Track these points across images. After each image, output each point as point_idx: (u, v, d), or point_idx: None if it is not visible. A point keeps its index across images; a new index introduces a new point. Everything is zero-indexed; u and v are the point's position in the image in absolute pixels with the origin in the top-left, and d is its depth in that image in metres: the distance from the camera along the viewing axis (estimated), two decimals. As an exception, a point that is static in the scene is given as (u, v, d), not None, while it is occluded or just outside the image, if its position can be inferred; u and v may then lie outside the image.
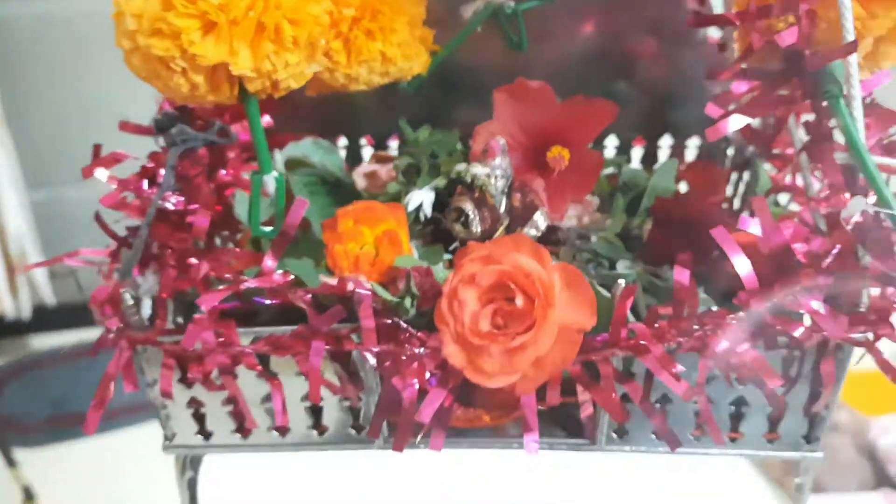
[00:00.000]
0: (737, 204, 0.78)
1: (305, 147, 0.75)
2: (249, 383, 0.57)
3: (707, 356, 0.51)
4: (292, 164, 0.74)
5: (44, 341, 1.55)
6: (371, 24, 0.66)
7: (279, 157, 0.73)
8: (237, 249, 0.56)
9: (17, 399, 1.38)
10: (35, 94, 1.38)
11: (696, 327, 0.51)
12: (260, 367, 0.54)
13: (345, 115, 0.81)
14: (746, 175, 0.77)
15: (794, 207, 0.71)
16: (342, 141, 0.83)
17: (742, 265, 0.51)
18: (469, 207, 0.63)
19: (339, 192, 0.74)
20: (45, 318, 1.53)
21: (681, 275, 0.51)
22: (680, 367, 0.50)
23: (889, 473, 1.07)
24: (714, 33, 0.76)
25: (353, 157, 0.84)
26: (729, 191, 0.79)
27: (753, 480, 1.01)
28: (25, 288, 1.49)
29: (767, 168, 0.73)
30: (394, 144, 0.83)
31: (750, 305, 0.51)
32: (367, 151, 0.84)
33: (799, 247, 0.52)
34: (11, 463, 1.12)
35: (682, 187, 0.78)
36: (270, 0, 0.47)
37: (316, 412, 0.59)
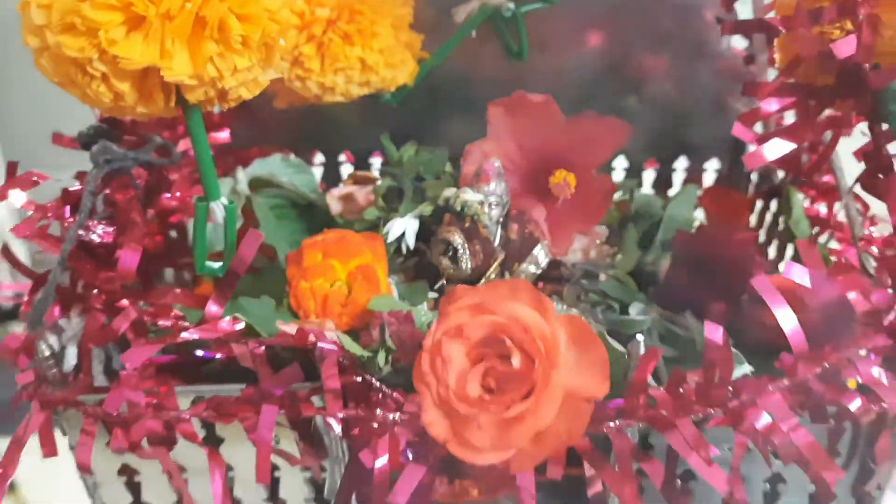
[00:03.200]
0: (762, 237, 0.70)
1: (273, 165, 0.67)
2: (193, 447, 0.47)
3: (742, 432, 0.42)
4: (258, 184, 0.65)
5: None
6: (349, 26, 0.59)
7: (242, 175, 0.64)
8: (178, 290, 0.46)
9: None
10: (18, 85, 1.32)
11: (729, 396, 0.42)
12: (199, 438, 0.44)
13: (321, 128, 0.74)
14: (774, 204, 0.68)
15: (832, 245, 0.62)
16: (318, 157, 0.75)
17: (788, 321, 0.42)
18: (458, 240, 0.55)
19: (310, 216, 0.66)
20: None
21: (713, 331, 0.43)
22: (714, 451, 0.40)
23: None
24: (738, 42, 0.68)
25: (332, 176, 0.76)
26: (752, 220, 0.70)
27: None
28: (7, 277, 1.44)
29: (800, 197, 0.64)
30: (377, 162, 0.76)
31: (796, 370, 0.42)
32: (348, 170, 0.76)
33: (855, 300, 0.43)
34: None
35: (698, 214, 0.69)
36: (213, -11, 0.38)
37: (273, 483, 0.50)
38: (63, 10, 0.37)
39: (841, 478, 0.41)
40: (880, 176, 0.45)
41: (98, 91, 0.38)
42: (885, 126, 0.45)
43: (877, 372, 0.42)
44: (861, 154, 0.46)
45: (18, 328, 1.46)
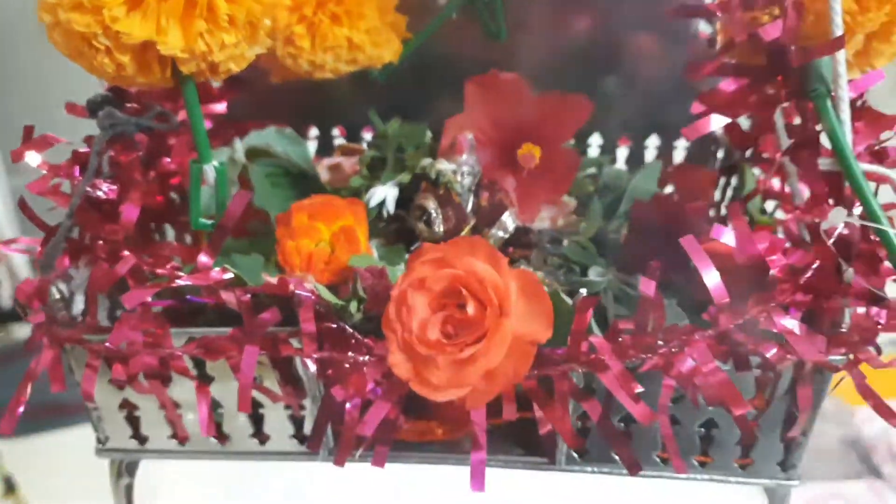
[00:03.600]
0: (725, 211, 0.74)
1: (269, 136, 0.71)
2: (187, 385, 0.53)
3: (671, 375, 0.47)
4: (254, 154, 0.70)
5: (25, 331, 1.52)
6: (337, 7, 0.63)
7: (239, 145, 0.69)
8: (175, 243, 0.52)
9: None
10: (14, 79, 1.35)
11: (660, 343, 0.47)
12: (191, 372, 0.50)
13: (316, 103, 0.78)
14: (734, 179, 0.72)
15: (782, 216, 0.67)
16: (313, 131, 0.79)
17: (710, 277, 0.47)
18: (432, 205, 0.60)
19: (302, 184, 0.70)
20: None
21: (646, 286, 0.47)
22: (639, 387, 0.45)
23: (873, 462, 1.06)
24: (706, 28, 0.72)
25: (326, 149, 0.80)
26: (718, 196, 0.74)
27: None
28: (6, 277, 1.47)
29: (756, 173, 0.68)
30: (368, 136, 0.79)
31: (720, 322, 0.47)
32: (341, 143, 0.80)
33: (776, 260, 0.48)
34: (-8, 454, 1.11)
35: (669, 190, 0.74)
36: (202, -28, 0.43)
37: (257, 420, 0.55)
38: (72, -11, 0.42)
39: (745, 410, 0.46)
40: (806, 147, 0.50)
41: (102, 62, 0.44)
42: (810, 103, 0.49)
43: (791, 324, 0.47)
44: (789, 128, 0.50)
45: (19, 329, 1.49)
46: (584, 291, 0.48)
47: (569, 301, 0.52)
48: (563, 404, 0.48)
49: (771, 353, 0.46)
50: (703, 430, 0.53)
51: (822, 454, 1.07)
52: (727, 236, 0.48)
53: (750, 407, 0.46)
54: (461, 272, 0.48)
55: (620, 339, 0.48)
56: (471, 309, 0.47)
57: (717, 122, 0.51)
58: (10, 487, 1.03)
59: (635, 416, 0.45)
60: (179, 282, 0.49)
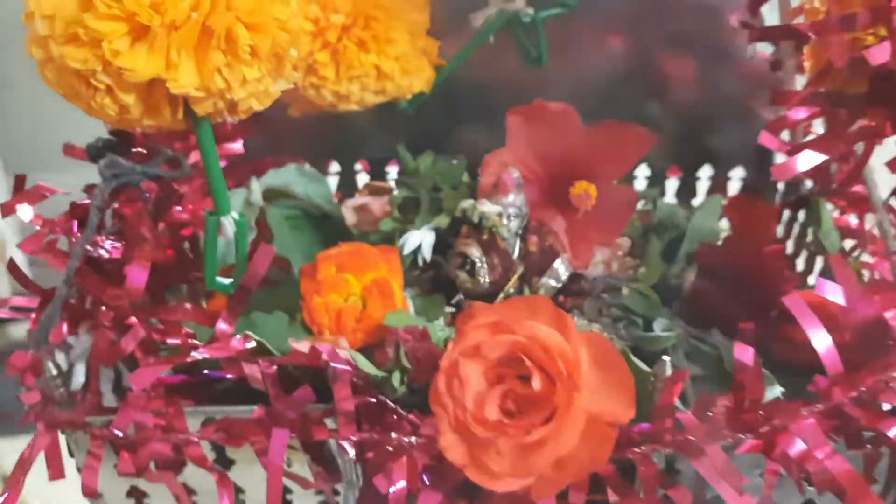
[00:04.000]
0: (789, 247, 0.67)
1: (288, 175, 0.66)
2: (203, 471, 0.46)
3: (775, 459, 0.40)
4: (272, 195, 0.64)
5: (21, 330, 1.48)
6: (364, 32, 0.58)
7: (256, 186, 0.63)
8: (189, 307, 0.45)
9: None
10: (14, 79, 1.32)
11: (760, 421, 0.40)
12: (208, 462, 0.43)
13: (337, 136, 0.73)
14: (802, 214, 0.66)
15: (863, 258, 0.60)
16: (334, 166, 0.74)
17: (822, 342, 0.40)
18: (476, 253, 0.54)
19: (325, 227, 0.65)
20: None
21: (742, 353, 0.41)
22: (745, 479, 0.39)
23: None
24: (764, 49, 0.66)
25: (347, 185, 0.75)
26: (780, 231, 0.68)
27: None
28: (4, 276, 1.44)
29: (830, 208, 0.62)
30: (393, 171, 0.74)
31: (831, 394, 0.40)
32: (364, 179, 0.74)
33: (892, 318, 0.41)
34: (-9, 453, 1.07)
35: (723, 225, 0.67)
36: (220, -2, 0.36)
37: (285, 506, 0.48)
38: (66, 20, 0.35)
39: None
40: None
41: (103, 103, 0.37)
42: (922, 136, 0.43)
43: (917, 395, 0.40)
44: (895, 165, 0.44)
45: (15, 329, 1.44)
46: (667, 360, 0.41)
47: (641, 365, 0.45)
48: (648, 493, 0.41)
49: (894, 430, 0.39)
50: (799, 512, 0.46)
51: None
52: (834, 292, 0.41)
53: (881, 501, 0.39)
54: (523, 338, 0.41)
55: (711, 414, 0.41)
56: (536, 382, 0.41)
57: (809, 161, 0.44)
58: None
59: (742, 515, 0.38)
60: (195, 354, 0.42)
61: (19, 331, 1.47)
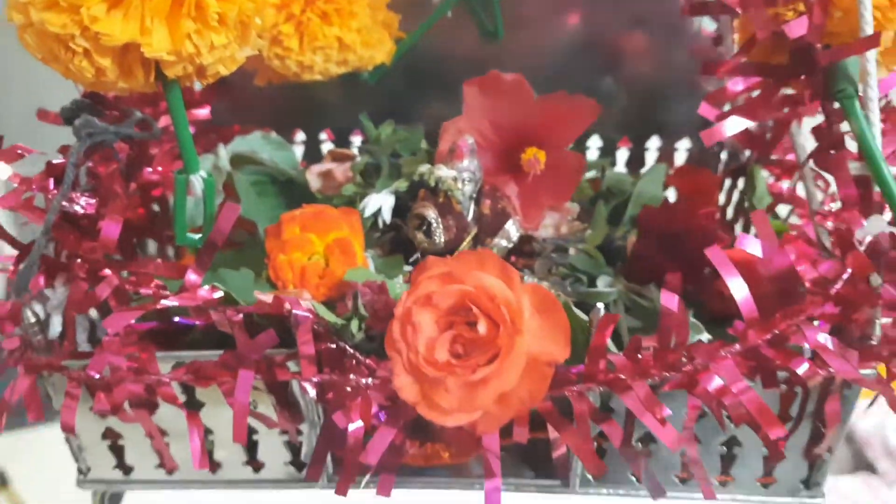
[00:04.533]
0: (730, 213, 0.71)
1: (254, 142, 0.68)
2: (174, 411, 0.49)
3: (696, 395, 0.44)
4: (239, 161, 0.67)
5: None
6: (327, 5, 0.60)
7: (224, 152, 0.66)
8: (159, 260, 0.48)
9: None
10: (8, 70, 1.31)
11: (684, 361, 0.44)
12: (179, 401, 0.46)
13: (303, 106, 0.75)
14: (741, 182, 0.70)
15: (794, 220, 0.64)
16: (300, 135, 0.76)
17: (739, 290, 0.44)
18: (432, 214, 0.57)
19: (290, 192, 0.67)
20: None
21: (669, 299, 0.45)
22: (667, 411, 0.43)
23: (867, 457, 1.05)
24: (709, 25, 0.69)
25: (313, 154, 0.77)
26: (721, 199, 0.72)
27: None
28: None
29: (765, 175, 0.66)
30: (357, 140, 0.76)
31: (748, 337, 0.44)
32: (329, 147, 0.77)
33: (805, 270, 0.45)
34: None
35: (671, 193, 0.71)
36: (190, -32, 0.39)
37: (251, 446, 0.52)
38: (46, -14, 0.38)
39: (782, 434, 0.43)
40: (832, 152, 0.47)
41: (80, 66, 0.40)
42: (836, 104, 0.46)
43: (823, 338, 0.44)
44: (814, 131, 0.48)
45: None
46: (601, 307, 0.45)
47: (582, 315, 0.49)
48: (583, 427, 0.45)
49: (803, 368, 0.44)
50: (724, 448, 0.50)
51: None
52: (753, 246, 0.45)
53: (785, 429, 0.43)
54: (470, 288, 0.45)
55: (640, 355, 0.45)
56: (482, 327, 0.44)
57: (734, 126, 0.48)
58: (3, 482, 1.00)
59: (664, 442, 0.43)
60: (166, 302, 0.45)
61: None
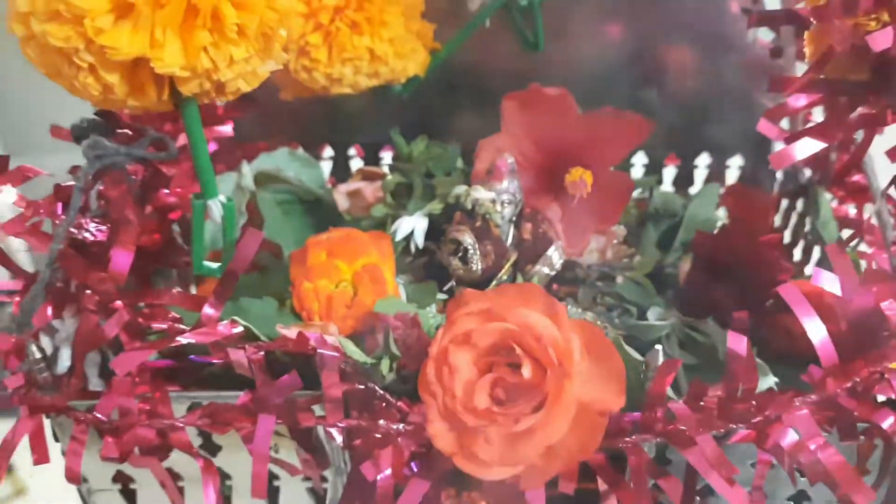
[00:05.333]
0: (786, 237, 0.67)
1: (280, 158, 0.65)
2: (189, 457, 0.45)
3: (767, 450, 0.39)
4: (264, 179, 0.64)
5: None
6: (357, 14, 0.57)
7: (247, 170, 0.63)
8: (175, 291, 0.45)
9: None
10: (12, 61, 1.31)
11: (753, 411, 0.40)
12: (194, 448, 0.43)
13: (330, 120, 0.73)
14: (800, 204, 0.65)
15: (861, 248, 0.59)
16: (327, 151, 0.74)
17: (817, 332, 0.40)
18: (469, 240, 0.53)
19: (317, 212, 0.64)
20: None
21: (736, 342, 0.40)
22: (736, 471, 0.38)
23: None
24: (765, 35, 0.65)
25: (341, 171, 0.74)
26: (777, 220, 0.67)
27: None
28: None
29: (828, 197, 0.61)
30: (387, 156, 0.74)
31: (826, 385, 0.39)
32: (357, 164, 0.74)
33: (890, 309, 0.40)
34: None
35: (720, 214, 0.67)
36: (207, -25, 0.35)
37: (272, 493, 0.48)
38: (48, -4, 0.35)
39: (872, 500, 0.38)
40: (918, 177, 0.43)
41: (86, 83, 0.36)
42: (922, 124, 0.42)
43: (912, 388, 0.39)
44: (893, 154, 0.43)
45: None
46: (660, 349, 0.41)
47: (633, 354, 0.45)
48: (638, 483, 0.40)
49: (888, 423, 0.39)
50: (792, 503, 0.46)
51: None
52: (830, 282, 0.40)
53: (874, 494, 0.38)
54: (514, 326, 0.41)
55: (703, 403, 0.41)
56: (527, 370, 0.40)
57: (807, 149, 0.43)
58: (8, 469, 0.99)
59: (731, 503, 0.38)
60: (181, 339, 0.41)
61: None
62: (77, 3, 0.34)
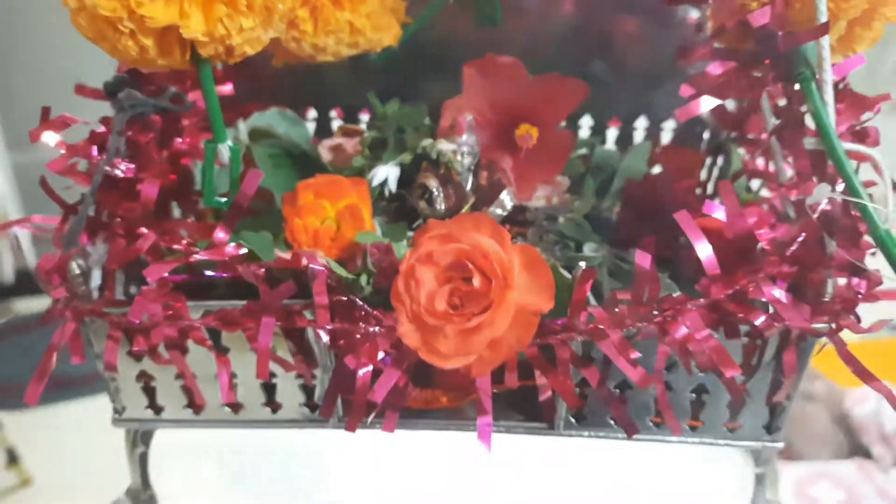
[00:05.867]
0: (711, 189, 0.77)
1: (271, 117, 0.73)
2: (201, 357, 0.55)
3: (666, 342, 0.50)
4: (257, 135, 0.72)
5: (27, 305, 1.53)
6: None
7: (243, 127, 0.71)
8: (190, 220, 0.54)
9: (2, 362, 1.37)
10: (18, 56, 1.35)
11: (655, 313, 0.50)
12: (209, 343, 0.52)
13: (314, 86, 0.79)
14: (721, 160, 0.75)
15: (767, 194, 0.70)
16: (311, 113, 0.81)
17: (703, 250, 0.50)
18: (433, 184, 0.62)
19: (304, 164, 0.72)
20: (27, 282, 1.52)
21: (642, 259, 0.50)
22: (636, 354, 0.48)
23: (862, 443, 1.08)
24: (694, 14, 0.74)
25: (323, 130, 0.82)
26: (704, 175, 0.77)
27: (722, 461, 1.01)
28: (7, 252, 1.48)
29: (741, 153, 0.71)
30: (365, 118, 0.81)
31: (711, 292, 0.50)
32: (338, 124, 0.82)
33: (763, 233, 0.51)
34: (-6, 425, 1.11)
35: (657, 171, 0.77)
36: (224, -39, 0.45)
37: (269, 389, 0.58)
38: (99, -24, 0.44)
39: (738, 373, 0.49)
40: (792, 128, 0.53)
41: (126, 45, 0.45)
42: (796, 86, 0.52)
43: (779, 294, 0.50)
44: (776, 110, 0.53)
45: (20, 303, 1.48)
46: (583, 265, 0.51)
47: (567, 275, 0.55)
48: (564, 371, 0.51)
49: (759, 320, 0.49)
50: (694, 395, 0.56)
51: (812, 435, 1.08)
52: (718, 212, 0.51)
53: (740, 369, 0.49)
54: (467, 247, 0.50)
55: (617, 309, 0.51)
56: (476, 281, 0.50)
57: (706, 105, 0.54)
58: (13, 459, 1.04)
59: (633, 381, 0.48)
60: (197, 257, 0.51)
61: (25, 306, 1.52)
62: (122, -19, 0.43)
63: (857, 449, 1.09)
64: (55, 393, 1.17)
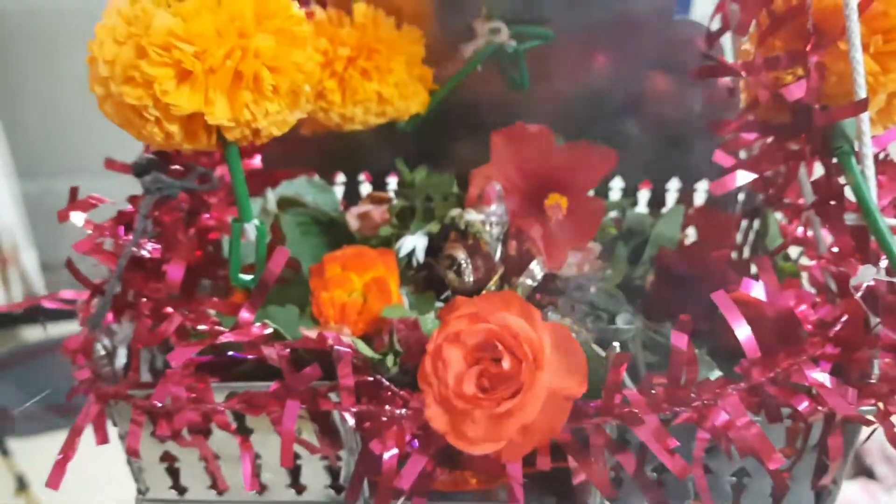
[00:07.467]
0: (746, 253, 0.75)
1: (299, 186, 0.73)
2: (225, 438, 0.54)
3: (705, 428, 0.48)
4: (285, 203, 0.72)
5: (35, 333, 1.53)
6: (367, 63, 0.65)
7: (271, 196, 0.71)
8: (215, 299, 0.53)
9: (9, 389, 1.37)
10: (27, 86, 1.37)
11: (693, 396, 0.48)
12: (233, 427, 0.51)
13: (343, 151, 0.79)
14: (757, 223, 0.73)
15: (806, 261, 0.68)
16: (340, 177, 0.81)
17: (742, 332, 0.48)
18: (462, 256, 0.61)
19: (331, 233, 0.72)
20: (34, 310, 1.53)
21: (679, 339, 0.48)
22: (675, 442, 0.46)
23: (866, 464, 1.06)
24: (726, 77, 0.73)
25: (352, 194, 0.82)
26: (739, 238, 0.75)
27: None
28: (17, 280, 1.49)
29: (778, 216, 0.69)
30: (393, 181, 0.81)
31: (752, 375, 0.48)
32: (366, 189, 0.82)
33: (805, 311, 0.49)
34: (5, 452, 1.10)
35: (690, 233, 0.75)
36: (249, 48, 0.44)
37: (294, 470, 0.56)
38: (125, 65, 0.44)
39: (780, 464, 0.46)
40: (831, 203, 0.51)
41: (152, 132, 0.45)
42: (834, 159, 0.50)
43: (822, 377, 0.48)
44: (814, 184, 0.52)
45: (28, 332, 1.49)
46: (617, 346, 0.49)
47: (600, 352, 0.53)
48: (598, 457, 0.49)
49: (802, 405, 0.47)
50: (735, 479, 0.54)
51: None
52: (757, 290, 0.49)
53: (784, 460, 0.47)
54: (496, 327, 0.49)
55: (654, 391, 0.49)
56: (506, 363, 0.48)
57: (742, 178, 0.52)
58: (22, 486, 1.04)
59: (672, 470, 0.46)
60: (223, 338, 0.50)
61: (33, 333, 1.53)
62: (148, 70, 0.43)
63: (861, 469, 1.06)
64: (64, 420, 1.16)
